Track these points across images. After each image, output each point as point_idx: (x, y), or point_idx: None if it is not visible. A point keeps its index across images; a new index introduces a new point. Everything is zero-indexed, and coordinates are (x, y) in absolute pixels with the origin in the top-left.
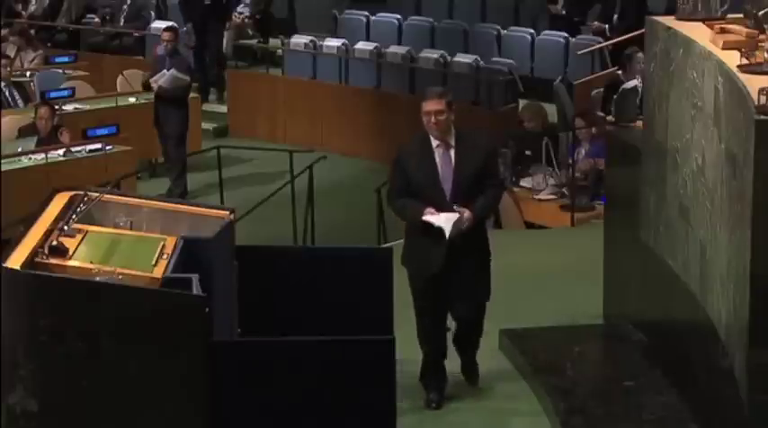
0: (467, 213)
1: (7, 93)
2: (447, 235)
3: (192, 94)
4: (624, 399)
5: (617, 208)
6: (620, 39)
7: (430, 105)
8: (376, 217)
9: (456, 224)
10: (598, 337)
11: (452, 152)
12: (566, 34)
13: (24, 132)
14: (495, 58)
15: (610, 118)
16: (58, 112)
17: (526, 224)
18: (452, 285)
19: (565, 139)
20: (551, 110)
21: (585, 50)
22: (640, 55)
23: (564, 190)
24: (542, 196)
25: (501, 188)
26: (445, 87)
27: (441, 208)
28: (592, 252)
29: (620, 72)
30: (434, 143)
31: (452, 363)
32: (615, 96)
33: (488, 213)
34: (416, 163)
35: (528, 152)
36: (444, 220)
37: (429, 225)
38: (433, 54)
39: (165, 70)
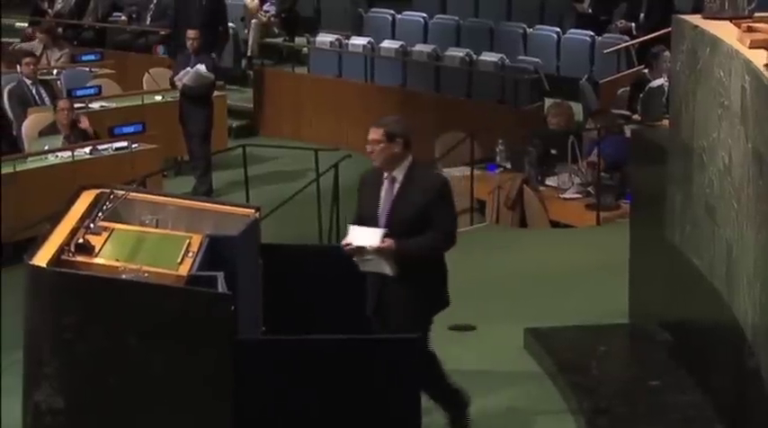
0: (389, 242)
1: (34, 91)
2: (371, 245)
3: (217, 92)
4: (649, 399)
5: (643, 207)
6: (646, 37)
7: (369, 133)
8: None
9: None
10: (623, 336)
11: (396, 187)
12: (592, 33)
13: (45, 132)
14: (520, 57)
15: (636, 117)
16: (84, 110)
17: (551, 223)
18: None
19: (590, 139)
20: (577, 109)
21: (611, 49)
22: (667, 53)
23: (589, 189)
24: (568, 195)
25: (444, 237)
26: (396, 118)
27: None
28: (617, 251)
29: (646, 71)
30: (384, 175)
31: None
32: (641, 95)
33: (417, 253)
34: (367, 193)
35: (553, 151)
36: (363, 237)
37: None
38: (459, 53)
39: (189, 68)
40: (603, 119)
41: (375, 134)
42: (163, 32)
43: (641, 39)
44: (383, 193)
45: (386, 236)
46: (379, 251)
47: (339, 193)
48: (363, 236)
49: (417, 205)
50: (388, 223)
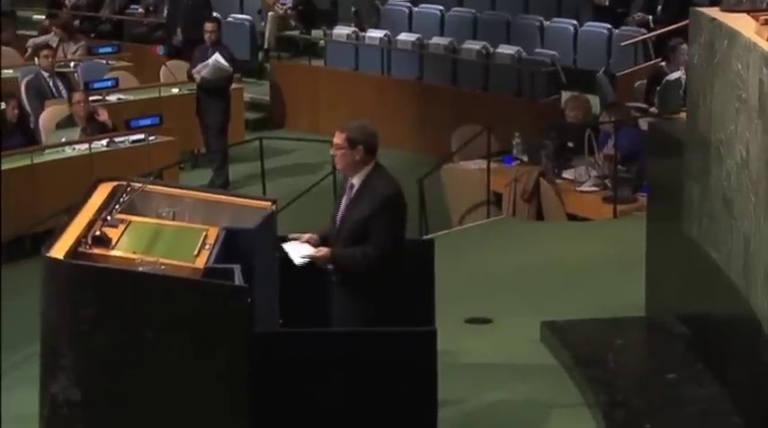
0: (323, 251)
1: (51, 84)
2: (295, 261)
3: (234, 85)
4: (666, 392)
5: (660, 200)
6: (663, 30)
7: (334, 136)
8: (418, 208)
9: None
10: (640, 329)
11: (353, 193)
12: (609, 25)
13: (62, 125)
14: (537, 50)
15: (653, 109)
16: (101, 103)
17: (568, 216)
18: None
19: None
20: (594, 101)
21: (629, 42)
22: (685, 46)
23: (606, 182)
24: (584, 188)
25: (375, 251)
26: (361, 124)
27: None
28: (634, 244)
29: (663, 63)
30: (348, 180)
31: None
32: (658, 88)
33: (347, 264)
34: (339, 196)
35: (570, 144)
36: (294, 250)
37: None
38: (476, 45)
39: (207, 61)
40: (618, 111)
41: (338, 138)
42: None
43: (658, 31)
44: (344, 198)
45: (336, 240)
46: (313, 259)
47: None
48: (294, 250)
49: (361, 215)
50: (339, 229)
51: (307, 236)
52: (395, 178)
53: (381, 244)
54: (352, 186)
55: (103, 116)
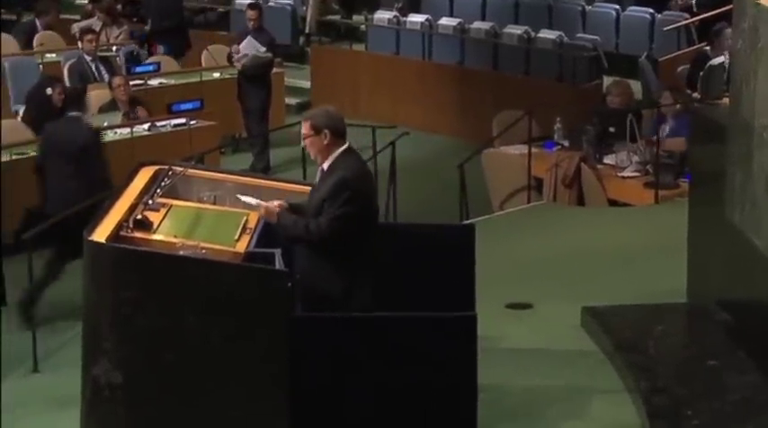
0: (272, 206)
1: (94, 68)
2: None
3: (275, 69)
4: (707, 379)
5: (702, 185)
6: (706, 15)
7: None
8: (458, 193)
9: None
10: (681, 316)
11: (319, 177)
12: (651, 10)
13: (105, 109)
14: (579, 34)
15: (696, 95)
16: (143, 87)
17: (609, 201)
18: None
19: (649, 117)
20: (636, 86)
21: (672, 26)
22: (729, 30)
23: (648, 167)
24: (626, 173)
25: (317, 227)
26: (322, 110)
27: None
28: (676, 230)
29: (707, 48)
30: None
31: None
32: (701, 73)
33: (286, 228)
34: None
35: (612, 129)
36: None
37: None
38: (517, 30)
39: (244, 50)
40: (682, 95)
41: (304, 127)
42: (221, 9)
43: (702, 16)
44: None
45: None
46: (261, 209)
47: (396, 171)
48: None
49: (320, 197)
50: (308, 213)
51: (280, 202)
52: (361, 162)
53: (325, 223)
54: (322, 170)
55: (142, 113)
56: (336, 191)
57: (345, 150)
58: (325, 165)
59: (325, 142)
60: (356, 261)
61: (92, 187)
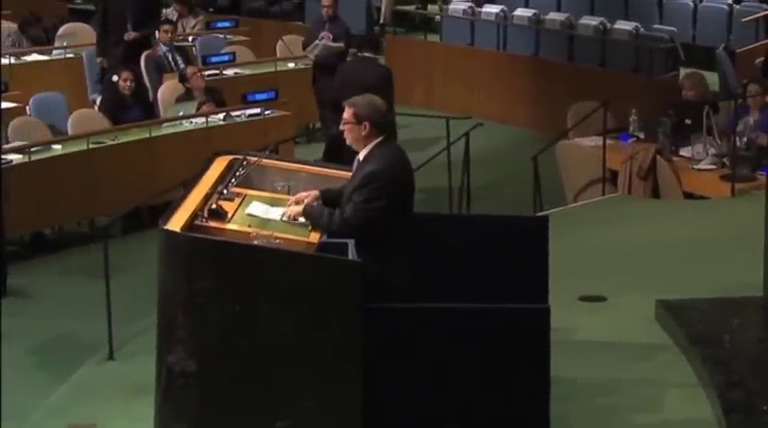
0: (297, 208)
1: (170, 58)
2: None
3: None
4: None
5: None
6: None
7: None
8: (532, 185)
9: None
10: (758, 309)
11: (355, 165)
12: (729, 1)
13: (181, 99)
14: (656, 25)
15: None
16: (218, 77)
17: (685, 194)
18: None
19: (726, 109)
20: (713, 78)
21: (750, 18)
22: None
23: (724, 160)
24: (702, 166)
25: (343, 220)
26: (367, 99)
27: None
28: (752, 223)
29: None
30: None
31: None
32: None
33: (315, 219)
34: None
35: (688, 121)
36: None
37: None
38: (593, 21)
39: (317, 40)
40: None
41: (347, 113)
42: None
43: None
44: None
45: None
46: (289, 218)
47: (470, 162)
48: (263, 210)
49: (351, 187)
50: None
51: (313, 193)
52: (398, 154)
53: (350, 213)
54: (358, 160)
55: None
56: (365, 182)
57: (382, 142)
58: (361, 156)
59: (364, 133)
60: (386, 251)
61: None
